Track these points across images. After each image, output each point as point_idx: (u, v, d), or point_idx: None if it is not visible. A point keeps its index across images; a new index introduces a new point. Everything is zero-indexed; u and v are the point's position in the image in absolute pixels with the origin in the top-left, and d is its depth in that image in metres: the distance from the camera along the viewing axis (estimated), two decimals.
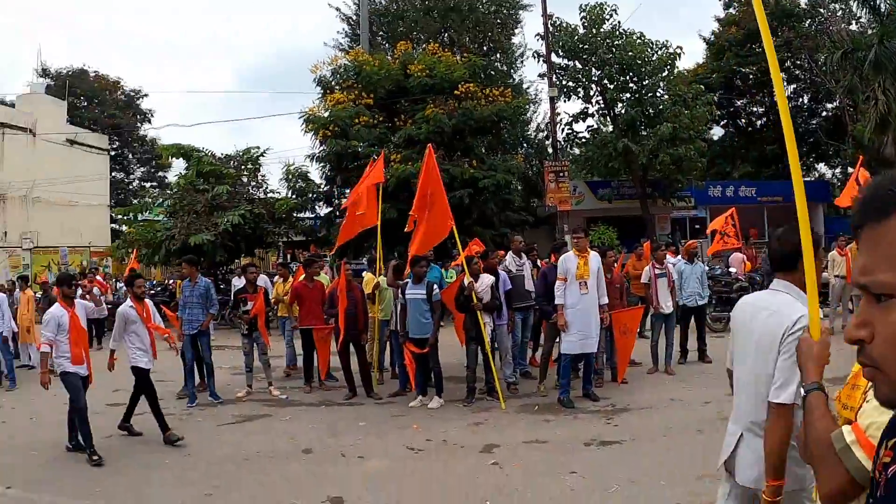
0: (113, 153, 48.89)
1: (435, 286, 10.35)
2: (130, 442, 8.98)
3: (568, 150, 28.43)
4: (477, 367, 10.18)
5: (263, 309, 12.05)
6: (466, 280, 9.98)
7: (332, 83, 24.58)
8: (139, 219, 29.26)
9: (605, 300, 9.85)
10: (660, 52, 25.25)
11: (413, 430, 8.68)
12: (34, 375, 15.34)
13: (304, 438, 8.59)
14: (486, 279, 10.19)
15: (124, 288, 23.69)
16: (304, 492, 6.74)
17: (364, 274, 13.42)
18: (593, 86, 26.28)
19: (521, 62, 29.95)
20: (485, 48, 28.00)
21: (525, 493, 6.14)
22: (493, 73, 25.90)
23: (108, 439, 8.95)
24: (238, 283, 16.92)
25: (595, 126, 27.56)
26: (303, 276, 12.56)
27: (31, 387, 14.03)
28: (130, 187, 54.21)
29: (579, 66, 26.21)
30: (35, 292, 18.31)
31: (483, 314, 9.93)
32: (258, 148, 27.84)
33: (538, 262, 12.73)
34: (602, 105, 26.64)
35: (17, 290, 17.33)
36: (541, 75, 26.62)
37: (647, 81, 25.26)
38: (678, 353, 12.03)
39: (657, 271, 11.62)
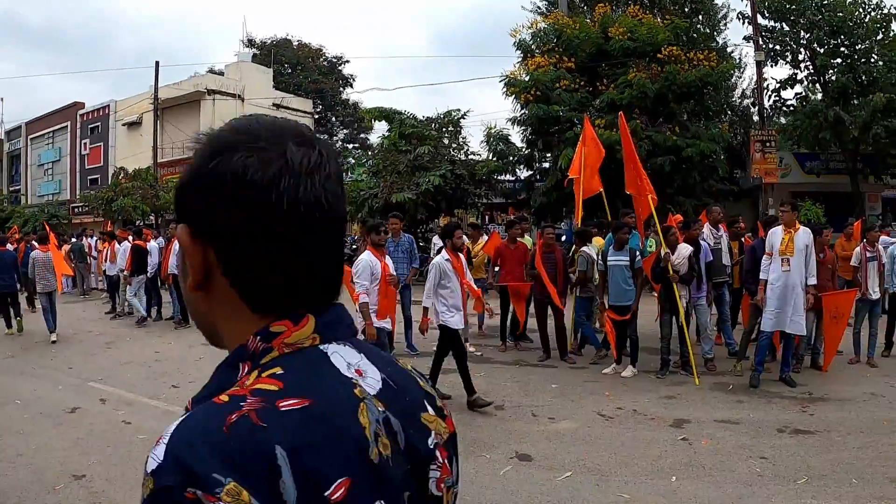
0: (317, 116, 51.27)
1: (637, 253, 10.26)
2: None
3: (775, 118, 26.95)
4: (672, 339, 10.02)
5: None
6: (663, 251, 9.77)
7: (532, 47, 24.50)
8: (344, 179, 30.56)
9: (813, 280, 9.19)
10: (873, 13, 23.05)
11: (604, 397, 8.69)
12: None
13: (497, 395, 8.79)
14: (683, 250, 9.91)
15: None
16: (493, 445, 6.98)
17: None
18: (802, 50, 24.39)
19: (725, 24, 28.46)
20: (686, 9, 26.89)
21: (712, 472, 6.03)
22: (695, 35, 24.85)
23: None
24: (439, 241, 17.46)
25: (804, 93, 25.80)
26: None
27: None
28: (334, 148, 56.46)
29: (787, 28, 24.47)
30: None
31: (679, 286, 9.72)
32: (459, 110, 28.39)
33: (743, 236, 12.28)
34: (811, 71, 24.73)
35: None
36: (746, 38, 25.21)
37: (860, 46, 23.20)
38: (882, 345, 10.93)
39: (868, 254, 10.75)
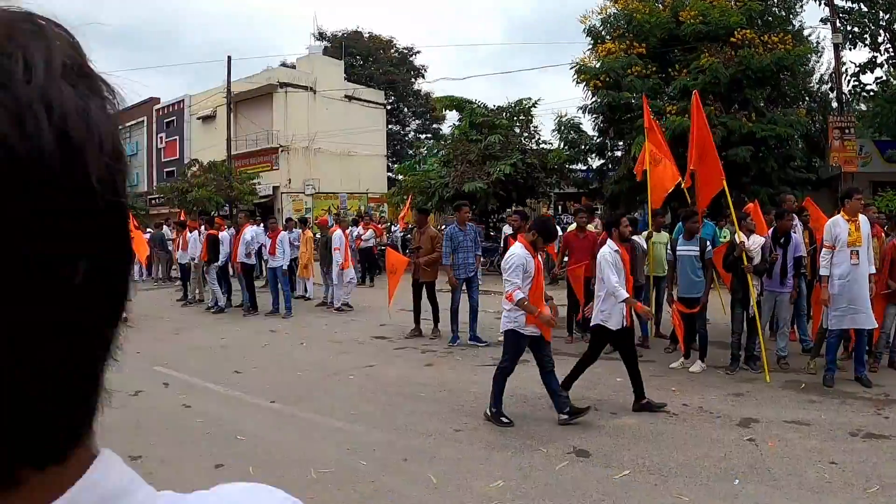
0: (389, 107, 51.49)
1: (707, 243, 9.87)
2: (400, 376, 9.46)
3: (854, 104, 25.86)
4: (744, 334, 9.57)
5: None
6: (738, 239, 9.37)
7: (602, 33, 23.95)
8: (416, 169, 30.74)
9: (873, 269, 8.70)
10: None
11: (670, 393, 8.37)
12: (308, 306, 17.13)
13: None
14: (758, 240, 9.48)
15: (397, 232, 25.23)
16: (550, 439, 6.80)
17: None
18: (882, 31, 23.33)
19: (801, 6, 27.37)
20: None
21: (778, 476, 5.69)
22: (770, 18, 23.87)
23: (371, 368, 9.68)
24: (508, 230, 17.36)
25: (884, 78, 24.76)
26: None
27: (304, 316, 15.48)
28: (406, 139, 56.91)
29: (864, 9, 23.29)
30: (315, 233, 19.72)
31: (752, 277, 9.30)
32: (530, 99, 28.17)
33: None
34: (892, 54, 23.79)
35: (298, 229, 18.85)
36: (823, 20, 24.25)
37: None
38: None
39: None
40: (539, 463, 6.14)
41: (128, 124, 53.08)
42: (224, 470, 6.15)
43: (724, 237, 12.77)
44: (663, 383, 8.85)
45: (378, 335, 12.91)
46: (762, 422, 7.18)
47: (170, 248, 23.48)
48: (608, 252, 7.94)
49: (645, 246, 10.99)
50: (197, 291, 18.64)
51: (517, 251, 7.35)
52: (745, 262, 9.20)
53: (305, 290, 18.62)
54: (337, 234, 16.69)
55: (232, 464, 6.31)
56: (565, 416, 7.20)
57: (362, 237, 21.95)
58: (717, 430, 6.95)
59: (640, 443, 6.63)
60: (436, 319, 12.63)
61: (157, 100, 50.95)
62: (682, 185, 10.89)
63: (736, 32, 20.65)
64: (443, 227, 26.91)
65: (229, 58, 36.01)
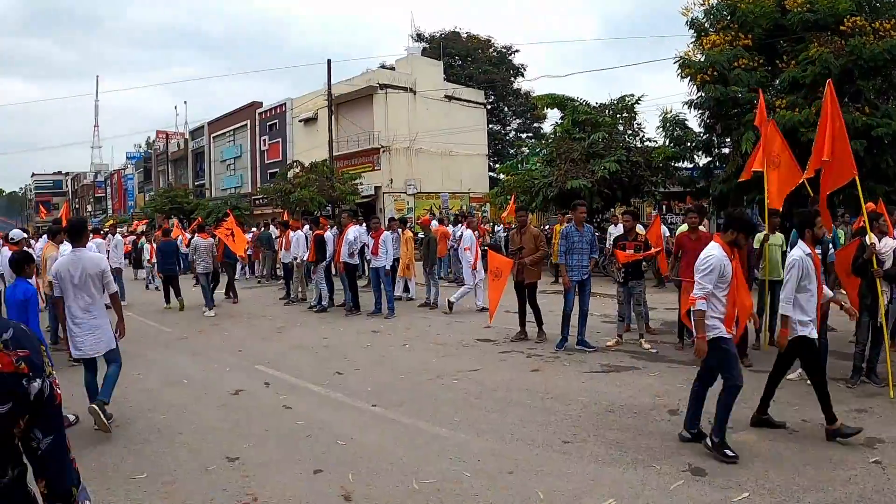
0: (489, 107, 51.56)
1: (830, 246, 9.28)
2: (505, 381, 9.24)
3: None
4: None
5: (633, 256, 11.65)
6: (868, 240, 8.74)
7: (706, 25, 23.07)
8: (519, 169, 30.62)
9: None
10: None
11: (789, 407, 7.81)
12: (411, 306, 17.17)
13: (671, 398, 8.12)
14: (890, 242, 8.89)
15: (500, 232, 25.09)
16: (664, 456, 6.44)
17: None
18: None
19: None
20: None
21: None
22: (878, 4, 22.53)
23: (476, 372, 9.43)
24: (615, 230, 16.94)
25: None
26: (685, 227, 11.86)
27: (406, 317, 15.48)
28: (507, 138, 56.92)
29: None
30: (416, 233, 19.69)
31: (882, 282, 8.64)
32: (633, 95, 27.63)
33: None
34: None
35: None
36: None
37: None
38: None
39: None
40: (652, 481, 5.81)
41: (232, 128, 54.85)
42: (322, 476, 6.04)
43: (840, 239, 12.16)
44: (781, 396, 8.19)
45: (482, 337, 12.73)
46: (888, 442, 6.63)
47: (276, 247, 23.90)
48: (801, 256, 7.00)
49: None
50: (300, 290, 18.87)
51: (715, 252, 6.54)
52: (875, 266, 8.61)
53: (406, 290, 18.63)
54: (467, 233, 16.90)
55: (331, 469, 6.21)
56: (710, 443, 6.49)
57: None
58: (840, 451, 6.45)
59: (759, 462, 6.20)
60: (539, 322, 12.36)
61: (260, 104, 52.56)
62: (805, 174, 10.37)
63: (845, 20, 19.54)
64: (545, 226, 26.69)
65: (329, 61, 36.65)
